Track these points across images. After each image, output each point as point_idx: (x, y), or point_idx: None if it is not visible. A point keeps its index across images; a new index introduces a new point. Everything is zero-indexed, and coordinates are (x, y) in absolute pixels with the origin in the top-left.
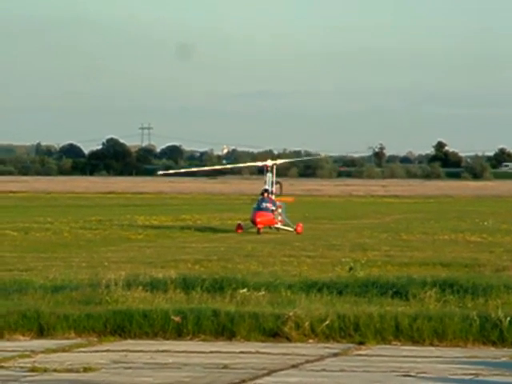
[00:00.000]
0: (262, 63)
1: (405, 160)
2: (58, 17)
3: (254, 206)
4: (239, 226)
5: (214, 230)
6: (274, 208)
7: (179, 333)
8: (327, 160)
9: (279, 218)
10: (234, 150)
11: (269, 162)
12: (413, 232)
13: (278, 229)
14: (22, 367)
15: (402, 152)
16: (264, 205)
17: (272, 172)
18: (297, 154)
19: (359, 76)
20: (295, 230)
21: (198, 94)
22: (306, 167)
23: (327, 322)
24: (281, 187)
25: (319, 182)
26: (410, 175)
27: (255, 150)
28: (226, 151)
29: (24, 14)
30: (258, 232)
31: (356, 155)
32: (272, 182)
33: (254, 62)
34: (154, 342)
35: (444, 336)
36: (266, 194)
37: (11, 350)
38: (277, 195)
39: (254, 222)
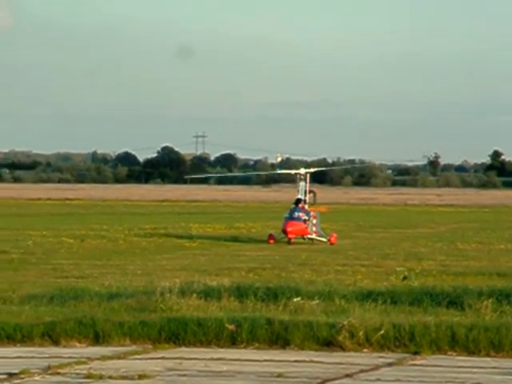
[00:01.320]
0: (318, 72)
1: (460, 169)
2: (109, 27)
3: (286, 215)
4: (271, 237)
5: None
6: (306, 218)
7: (233, 341)
8: (381, 168)
9: (314, 228)
10: (287, 159)
11: (302, 171)
12: (468, 241)
13: (311, 239)
14: (77, 374)
15: (457, 161)
16: (296, 214)
17: (305, 180)
18: (351, 162)
19: (414, 84)
20: (329, 240)
21: (253, 103)
22: (361, 176)
23: (382, 332)
24: (314, 196)
25: (373, 190)
26: (466, 184)
27: (309, 159)
28: (279, 159)
29: (90, 23)
30: (289, 242)
31: (410, 164)
32: (305, 191)
33: (309, 70)
34: (208, 350)
35: (500, 347)
36: (299, 204)
37: (68, 356)
38: (310, 204)
39: (285, 232)
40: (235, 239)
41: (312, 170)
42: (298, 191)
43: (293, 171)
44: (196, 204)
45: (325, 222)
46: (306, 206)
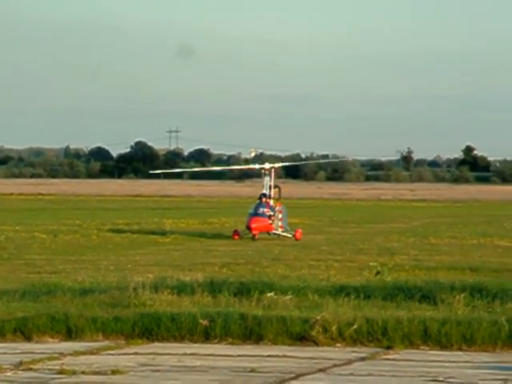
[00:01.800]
0: (292, 66)
1: (433, 164)
2: (86, 19)
3: (250, 211)
4: (235, 233)
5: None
6: (271, 213)
7: (207, 336)
8: (355, 163)
9: (280, 223)
10: (261, 154)
11: (266, 165)
12: (441, 236)
13: (277, 235)
14: (50, 369)
15: (430, 156)
16: (261, 210)
17: (270, 175)
18: (324, 157)
19: (388, 79)
20: (294, 236)
21: (226, 98)
22: (334, 171)
23: (355, 326)
24: (279, 191)
25: (347, 185)
26: (439, 179)
27: (282, 154)
28: (253, 154)
29: (63, 17)
30: (253, 238)
31: (384, 159)
32: (270, 186)
33: (283, 64)
34: (181, 345)
35: (473, 341)
36: (263, 199)
37: (40, 352)
38: (275, 200)
39: (249, 228)
40: (206, 235)
41: (277, 165)
42: (263, 186)
43: (257, 166)
44: (170, 199)
45: (298, 217)
46: (271, 202)
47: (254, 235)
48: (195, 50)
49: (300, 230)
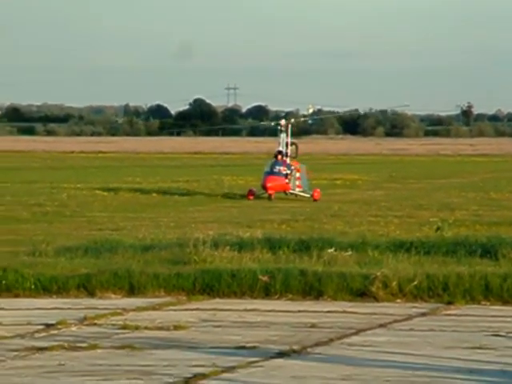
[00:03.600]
0: (350, 22)
1: (493, 118)
2: None
3: (266, 169)
4: (250, 192)
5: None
6: (288, 172)
7: (267, 292)
8: (414, 119)
9: (297, 182)
10: (319, 110)
11: (282, 121)
12: (502, 191)
13: (294, 194)
14: (113, 325)
15: (490, 110)
16: (277, 168)
17: (286, 132)
18: (383, 113)
19: (449, 32)
20: (312, 196)
21: (285, 54)
22: (393, 126)
23: (415, 282)
24: (297, 149)
25: (406, 141)
26: (499, 134)
27: (341, 110)
28: (311, 110)
29: None
30: (270, 198)
31: (443, 114)
32: (287, 143)
33: (341, 20)
34: (242, 301)
35: None
36: (279, 157)
37: (103, 307)
38: (292, 158)
39: (264, 188)
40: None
41: (293, 120)
42: (279, 143)
43: (273, 122)
44: (228, 156)
45: (357, 173)
46: (288, 160)
47: (270, 195)
48: (254, 7)
49: (318, 190)
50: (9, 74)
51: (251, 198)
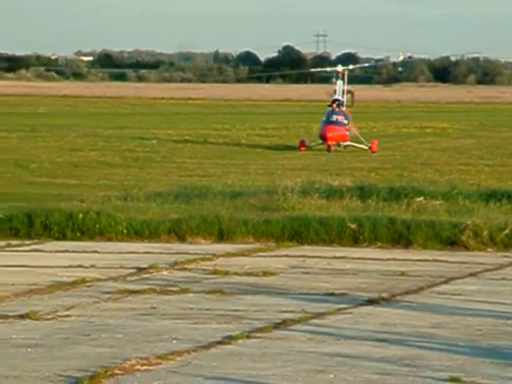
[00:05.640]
0: None
1: None
2: None
3: (323, 118)
4: (302, 143)
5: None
6: (346, 122)
7: (355, 240)
8: (506, 66)
9: (354, 132)
10: (410, 57)
11: (339, 68)
12: None
13: (352, 146)
14: (204, 270)
15: None
16: (335, 117)
17: (343, 79)
18: (475, 60)
19: None
20: (370, 148)
21: (374, 0)
22: (485, 74)
23: (506, 231)
24: (352, 97)
25: (498, 88)
26: None
27: (432, 57)
28: (401, 58)
29: None
30: (329, 150)
31: None
32: (343, 91)
33: None
34: (330, 249)
35: None
36: (335, 105)
37: (193, 252)
38: (348, 107)
39: (323, 138)
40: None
41: (351, 67)
42: (335, 91)
43: (329, 69)
44: (316, 103)
45: (448, 122)
46: (344, 108)
47: (329, 146)
48: None
49: (376, 142)
50: (101, 21)
51: (303, 149)
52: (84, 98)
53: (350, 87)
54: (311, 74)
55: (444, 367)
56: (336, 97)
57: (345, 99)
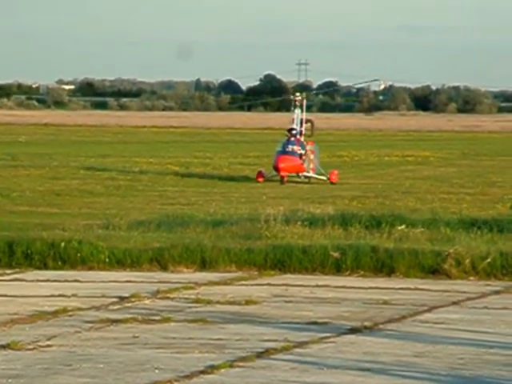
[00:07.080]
0: None
1: None
2: None
3: (278, 148)
4: (260, 174)
5: (373, 165)
6: (302, 152)
7: (338, 268)
8: (487, 95)
9: (311, 165)
10: (390, 86)
11: (297, 95)
12: None
13: (308, 177)
14: (186, 298)
15: None
16: (290, 147)
17: (301, 108)
18: (456, 89)
19: None
20: (329, 179)
21: (355, 30)
22: (465, 102)
23: (489, 260)
24: (312, 126)
25: (479, 117)
26: None
27: (412, 86)
28: (382, 87)
29: None
30: (282, 181)
31: None
32: (301, 120)
33: None
34: (313, 277)
35: None
36: (291, 134)
37: (176, 281)
38: (307, 136)
39: (276, 169)
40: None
41: (309, 93)
42: (293, 120)
43: (290, 96)
44: None
45: (429, 150)
46: (302, 138)
47: (283, 177)
48: None
49: (336, 172)
50: (83, 49)
51: (261, 180)
52: (65, 127)
53: (310, 116)
54: (294, 102)
55: None
56: (293, 126)
57: (303, 128)
